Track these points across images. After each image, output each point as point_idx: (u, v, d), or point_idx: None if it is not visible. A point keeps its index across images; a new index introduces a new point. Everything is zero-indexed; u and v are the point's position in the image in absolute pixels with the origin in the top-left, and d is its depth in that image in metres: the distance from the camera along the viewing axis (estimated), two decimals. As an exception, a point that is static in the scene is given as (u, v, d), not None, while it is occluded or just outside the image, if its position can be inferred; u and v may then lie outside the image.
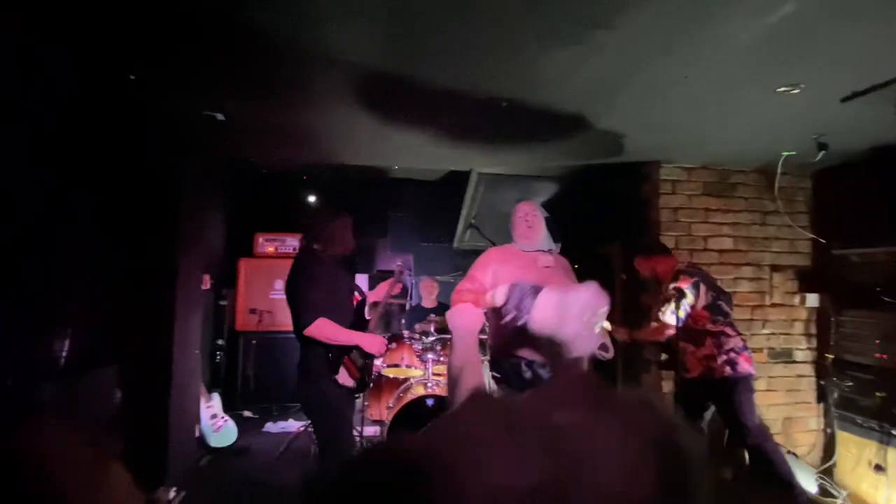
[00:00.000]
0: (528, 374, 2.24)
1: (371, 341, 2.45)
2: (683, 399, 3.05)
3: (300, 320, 2.28)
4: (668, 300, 2.70)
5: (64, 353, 2.19)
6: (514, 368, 2.27)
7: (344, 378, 2.35)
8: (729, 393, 2.77)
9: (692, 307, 2.75)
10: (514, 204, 2.58)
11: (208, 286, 3.99)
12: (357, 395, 2.65)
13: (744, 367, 2.77)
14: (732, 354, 2.77)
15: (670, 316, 2.66)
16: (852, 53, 1.88)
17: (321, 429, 2.41)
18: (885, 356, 3.14)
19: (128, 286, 2.87)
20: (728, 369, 2.75)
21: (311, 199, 4.55)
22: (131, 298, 2.88)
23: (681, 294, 2.67)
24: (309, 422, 3.86)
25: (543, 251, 2.47)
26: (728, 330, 2.82)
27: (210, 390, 3.92)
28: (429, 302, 4.41)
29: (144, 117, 2.72)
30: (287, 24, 1.73)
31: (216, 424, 3.74)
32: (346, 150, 3.56)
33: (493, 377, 2.44)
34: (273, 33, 1.80)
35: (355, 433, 3.60)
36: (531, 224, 2.46)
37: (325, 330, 2.28)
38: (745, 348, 2.83)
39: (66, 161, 2.47)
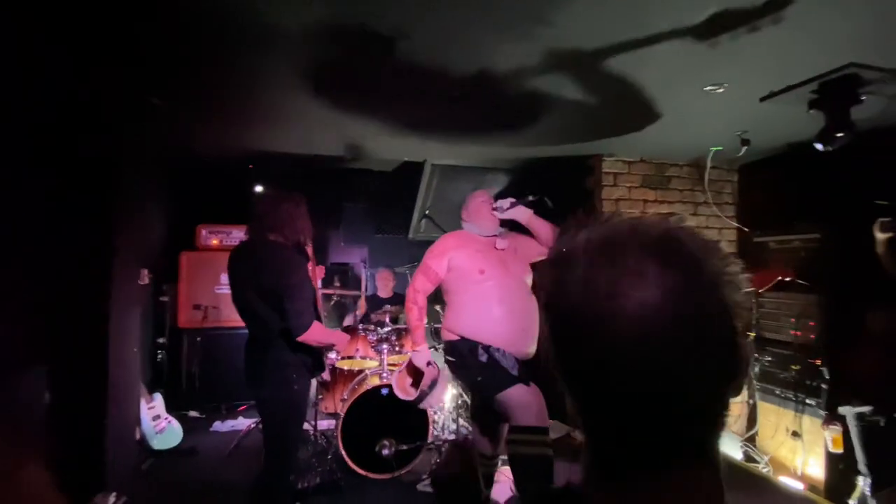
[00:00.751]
0: (483, 358, 2.29)
1: (341, 339, 2.42)
2: None
3: (296, 322, 2.07)
4: None
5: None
6: (471, 352, 2.32)
7: (326, 375, 2.32)
8: None
9: None
10: (470, 192, 2.66)
11: (146, 281, 3.77)
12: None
13: None
14: None
15: None
16: (770, 56, 2.07)
17: (285, 428, 2.22)
18: (798, 333, 3.48)
19: (58, 281, 2.67)
20: None
21: (258, 189, 4.39)
22: (62, 295, 2.68)
23: None
24: (259, 419, 3.79)
25: (498, 235, 2.56)
26: None
27: (151, 390, 3.72)
28: (385, 292, 4.40)
29: (73, 99, 2.53)
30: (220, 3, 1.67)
31: (159, 426, 3.57)
32: (294, 138, 3.47)
33: (448, 361, 2.48)
34: (209, 7, 1.73)
35: (310, 427, 3.56)
36: (492, 213, 2.55)
37: (316, 334, 2.13)
38: None
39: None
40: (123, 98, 2.55)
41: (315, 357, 2.26)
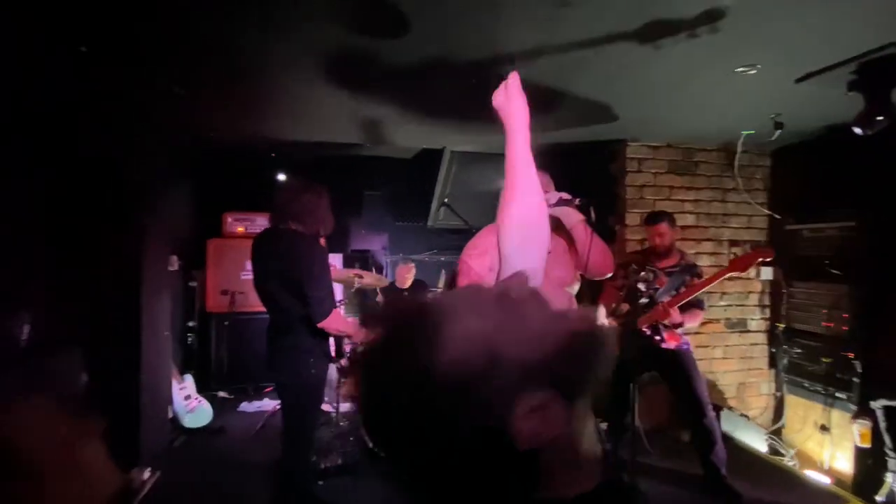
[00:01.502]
0: None
1: (358, 329, 2.43)
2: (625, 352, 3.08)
3: (317, 309, 2.12)
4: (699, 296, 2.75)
5: (24, 338, 2.14)
6: None
7: (345, 362, 2.34)
8: (686, 366, 2.82)
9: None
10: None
11: (176, 267, 3.91)
12: None
13: (671, 343, 2.85)
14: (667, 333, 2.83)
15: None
16: (805, 35, 1.96)
17: (303, 412, 2.29)
18: (830, 324, 3.37)
19: (91, 268, 2.80)
20: (673, 343, 2.83)
21: (281, 177, 4.46)
22: (96, 281, 2.81)
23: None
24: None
25: None
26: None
27: (183, 372, 3.89)
28: (403, 283, 4.40)
29: (101, 93, 2.60)
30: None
31: (190, 405, 3.73)
32: (314, 127, 3.50)
33: None
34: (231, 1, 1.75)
35: (332, 410, 3.65)
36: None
37: (335, 322, 2.18)
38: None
39: (21, 139, 2.36)
40: (146, 89, 2.61)
41: (334, 344, 2.30)
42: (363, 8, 1.78)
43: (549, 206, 2.17)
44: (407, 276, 4.30)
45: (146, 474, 2.83)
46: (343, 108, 2.98)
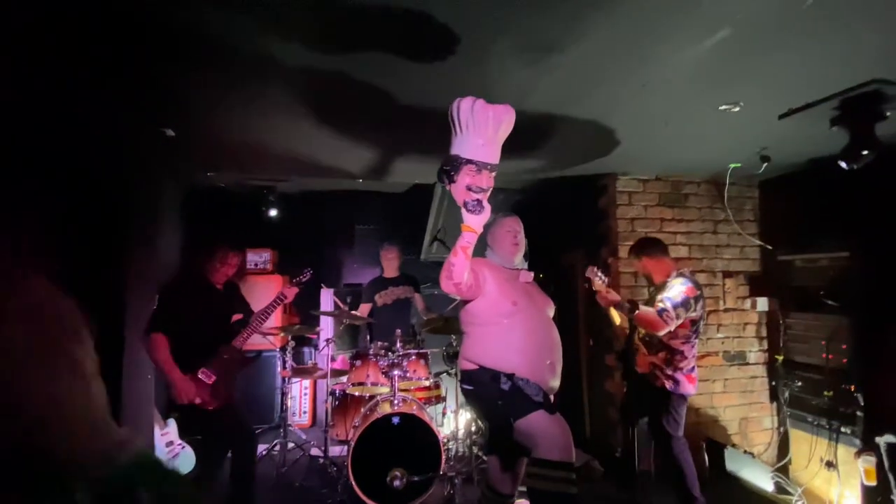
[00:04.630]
0: (506, 386, 2.17)
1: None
2: (628, 399, 3.12)
3: None
4: (673, 301, 2.64)
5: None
6: (493, 379, 2.20)
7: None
8: (664, 404, 2.78)
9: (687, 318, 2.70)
10: (499, 217, 2.42)
11: (163, 307, 3.82)
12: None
13: (685, 387, 2.76)
14: (678, 374, 2.75)
15: (672, 321, 2.62)
16: (787, 73, 1.99)
17: None
18: (830, 356, 3.30)
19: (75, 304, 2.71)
20: (669, 384, 2.76)
21: (273, 213, 4.43)
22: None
23: (684, 306, 2.63)
24: (272, 445, 3.77)
25: (521, 269, 2.43)
26: (686, 349, 2.77)
27: (165, 416, 3.74)
28: (390, 272, 4.09)
29: (90, 131, 2.60)
30: (234, 33, 1.69)
31: (172, 451, 3.57)
32: (307, 164, 3.50)
33: (465, 390, 2.39)
34: (219, 43, 1.75)
35: (320, 454, 3.51)
36: (517, 241, 2.39)
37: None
38: (694, 368, 2.81)
39: (7, 183, 2.32)
40: (137, 130, 2.61)
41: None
42: (355, 52, 1.80)
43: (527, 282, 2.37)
44: (392, 261, 4.03)
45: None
46: (334, 147, 2.99)
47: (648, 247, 2.97)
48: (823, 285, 3.36)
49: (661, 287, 2.84)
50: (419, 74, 1.96)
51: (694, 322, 2.75)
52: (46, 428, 0.53)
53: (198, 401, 2.57)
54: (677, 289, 2.71)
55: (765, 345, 3.88)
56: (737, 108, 2.30)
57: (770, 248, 3.79)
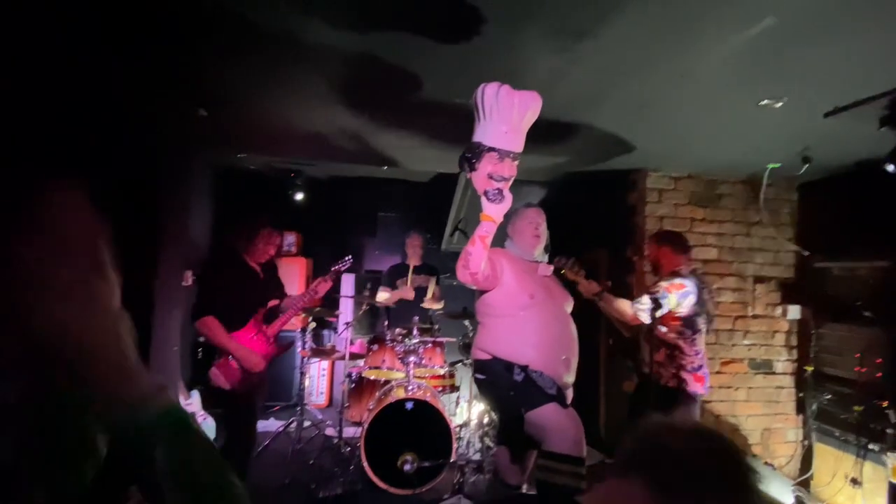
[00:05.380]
0: (519, 377, 2.16)
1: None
2: (636, 398, 2.93)
3: None
4: (651, 294, 2.55)
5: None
6: (507, 369, 2.19)
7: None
8: (670, 404, 2.60)
9: (669, 311, 2.58)
10: (521, 207, 2.39)
11: (190, 282, 3.94)
12: None
13: (693, 386, 2.61)
14: (683, 373, 2.61)
15: (643, 312, 2.52)
16: (834, 69, 1.89)
17: None
18: (863, 370, 3.16)
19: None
20: (673, 382, 2.62)
21: (299, 196, 4.50)
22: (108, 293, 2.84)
23: (660, 299, 2.53)
24: (288, 422, 3.86)
25: (541, 262, 2.41)
26: (685, 346, 2.63)
27: (190, 388, 3.87)
28: (414, 260, 4.12)
29: (122, 111, 2.68)
30: (270, 16, 1.70)
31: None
32: (333, 149, 3.53)
33: (477, 379, 2.38)
34: (255, 27, 1.77)
35: (334, 434, 3.57)
36: (538, 233, 2.36)
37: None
38: (702, 367, 2.64)
39: (42, 154, 2.42)
40: (170, 109, 2.67)
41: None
42: (383, 33, 1.79)
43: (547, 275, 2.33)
44: (416, 249, 4.06)
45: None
46: (360, 133, 3.01)
47: (673, 239, 2.82)
48: (861, 295, 3.20)
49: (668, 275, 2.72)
50: (445, 58, 1.94)
51: (686, 319, 2.61)
52: (74, 365, 0.50)
53: (260, 368, 2.52)
54: (664, 283, 2.60)
55: (794, 354, 3.73)
56: (779, 104, 2.19)
57: (806, 253, 3.63)
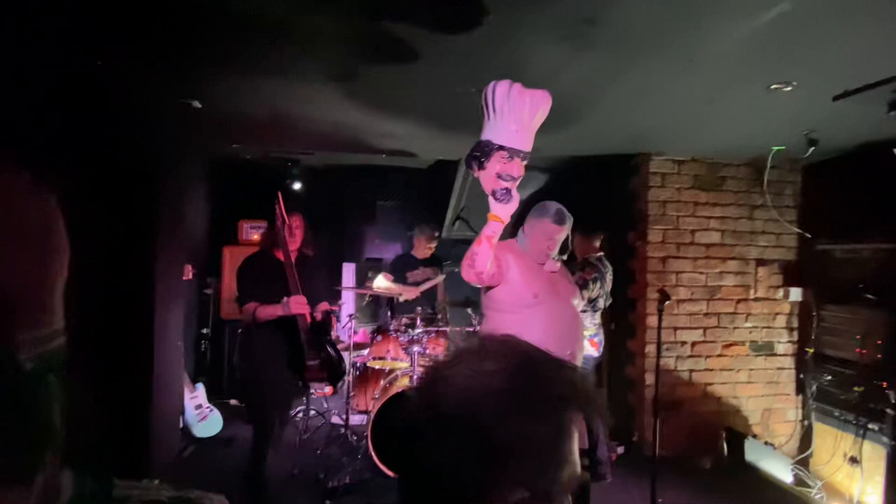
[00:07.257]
0: None
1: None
2: None
3: None
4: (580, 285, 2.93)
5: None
6: None
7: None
8: None
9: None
10: (545, 210, 2.20)
11: (190, 276, 3.92)
12: None
13: (588, 350, 2.99)
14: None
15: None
16: (845, 53, 1.85)
17: None
18: (864, 352, 3.19)
19: (105, 280, 2.79)
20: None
21: (297, 186, 4.44)
22: (107, 290, 2.81)
23: (585, 284, 3.05)
24: (300, 409, 3.89)
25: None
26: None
27: (195, 380, 3.89)
28: (421, 253, 4.13)
29: (117, 105, 2.61)
30: (269, 3, 1.64)
31: (201, 415, 3.72)
32: (330, 138, 3.47)
33: None
34: (246, 14, 1.71)
35: (340, 422, 3.61)
36: (551, 247, 2.21)
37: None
38: (597, 335, 3.20)
39: (35, 150, 2.36)
40: (164, 101, 2.61)
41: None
42: (382, 22, 1.73)
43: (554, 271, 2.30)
44: (427, 246, 4.11)
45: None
46: (360, 121, 2.95)
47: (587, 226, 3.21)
48: (864, 277, 3.21)
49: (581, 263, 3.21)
50: (445, 48, 1.88)
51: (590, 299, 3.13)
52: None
53: (305, 311, 2.54)
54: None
55: (795, 336, 3.77)
56: (789, 88, 2.15)
57: (809, 236, 3.62)
